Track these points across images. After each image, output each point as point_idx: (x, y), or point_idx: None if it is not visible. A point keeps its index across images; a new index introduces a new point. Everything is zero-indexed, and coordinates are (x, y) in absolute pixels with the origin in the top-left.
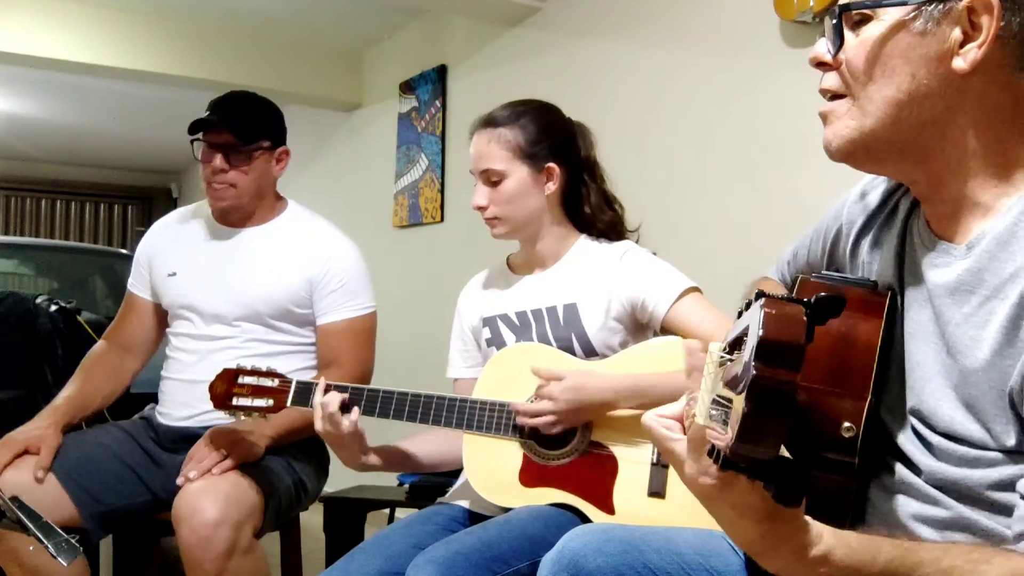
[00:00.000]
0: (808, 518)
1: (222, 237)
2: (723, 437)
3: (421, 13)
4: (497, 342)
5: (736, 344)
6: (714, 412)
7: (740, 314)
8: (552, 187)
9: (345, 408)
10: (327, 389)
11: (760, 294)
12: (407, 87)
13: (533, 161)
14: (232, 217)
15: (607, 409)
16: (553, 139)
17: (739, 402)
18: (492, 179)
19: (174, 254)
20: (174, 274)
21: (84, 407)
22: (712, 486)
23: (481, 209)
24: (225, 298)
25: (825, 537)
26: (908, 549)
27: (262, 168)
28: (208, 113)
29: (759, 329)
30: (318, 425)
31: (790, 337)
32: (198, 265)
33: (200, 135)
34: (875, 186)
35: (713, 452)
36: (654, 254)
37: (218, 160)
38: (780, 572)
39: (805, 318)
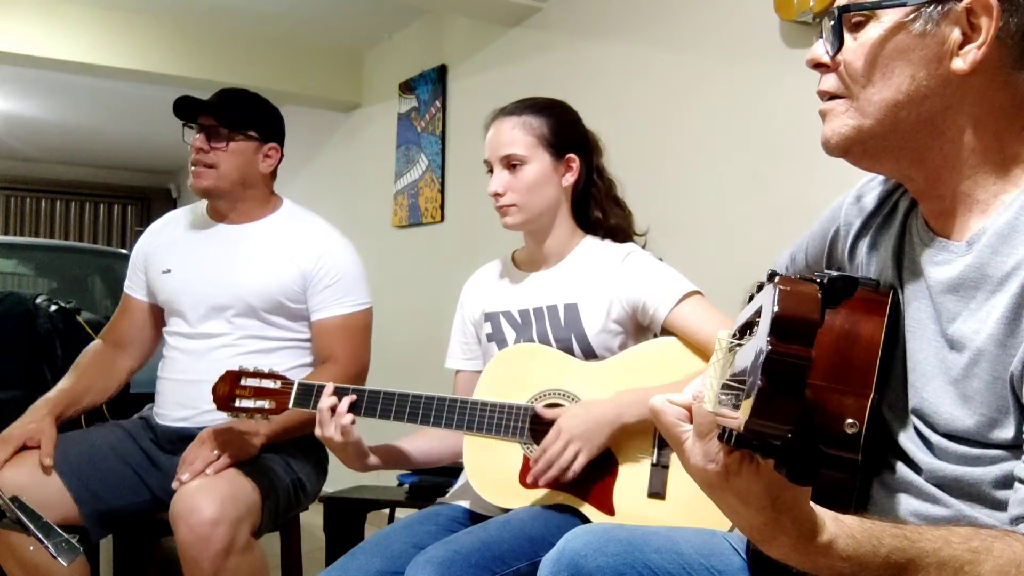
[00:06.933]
0: (813, 505)
1: (216, 234)
2: (735, 418)
3: (421, 13)
4: (498, 338)
5: (745, 329)
6: (723, 397)
7: (750, 298)
8: (570, 179)
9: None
10: (336, 393)
11: (772, 275)
12: (407, 87)
13: (555, 150)
14: (222, 208)
15: (618, 423)
16: (575, 134)
17: (752, 381)
18: (512, 163)
19: (169, 252)
20: (169, 271)
21: (77, 399)
22: (717, 473)
23: (497, 196)
24: (218, 292)
25: (828, 526)
26: (909, 539)
27: (245, 155)
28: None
29: (774, 305)
30: (327, 431)
31: (805, 313)
32: (192, 261)
33: (192, 122)
34: (871, 188)
35: (724, 434)
36: (660, 259)
37: (199, 140)
38: (783, 559)
39: (819, 295)
